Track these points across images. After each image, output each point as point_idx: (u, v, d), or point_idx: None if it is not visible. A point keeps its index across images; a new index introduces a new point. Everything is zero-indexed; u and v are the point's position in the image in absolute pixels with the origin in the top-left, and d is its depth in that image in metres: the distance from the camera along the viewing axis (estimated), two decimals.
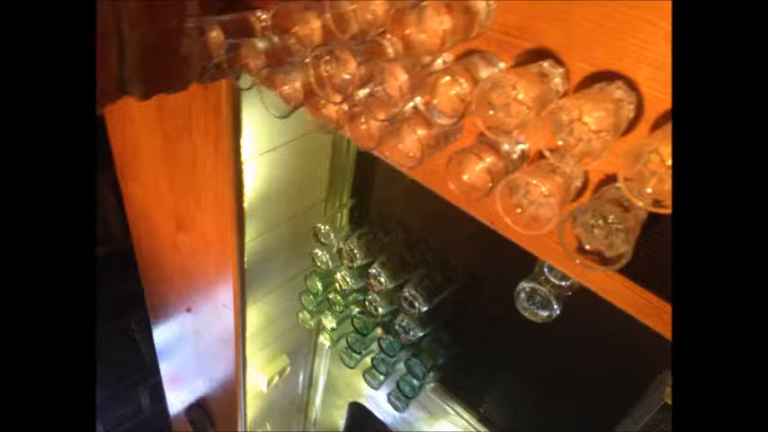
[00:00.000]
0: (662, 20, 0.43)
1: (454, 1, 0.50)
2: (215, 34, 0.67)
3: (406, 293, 1.08)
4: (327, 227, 1.17)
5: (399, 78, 0.54)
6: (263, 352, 1.50)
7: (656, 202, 0.41)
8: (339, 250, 1.16)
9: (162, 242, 1.44)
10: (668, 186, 0.41)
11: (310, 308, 1.33)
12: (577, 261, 0.49)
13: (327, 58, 0.59)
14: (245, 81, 0.75)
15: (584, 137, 0.46)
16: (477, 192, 0.56)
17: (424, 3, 0.50)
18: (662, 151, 0.42)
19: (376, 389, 1.35)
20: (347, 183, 1.27)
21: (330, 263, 1.20)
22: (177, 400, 2.12)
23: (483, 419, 1.25)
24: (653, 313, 0.53)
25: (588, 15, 0.47)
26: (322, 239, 1.19)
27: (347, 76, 0.59)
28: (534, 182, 0.50)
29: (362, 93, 0.57)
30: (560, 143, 0.46)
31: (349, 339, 1.29)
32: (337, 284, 1.21)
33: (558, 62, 0.50)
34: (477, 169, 0.56)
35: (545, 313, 0.77)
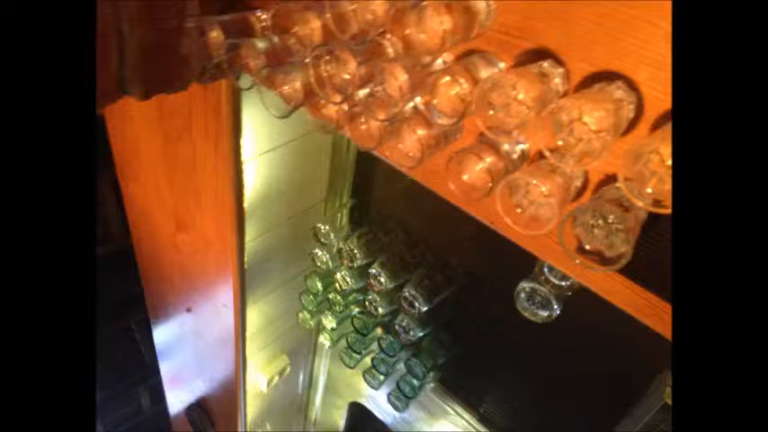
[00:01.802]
0: (662, 20, 0.43)
1: (454, 1, 0.50)
2: (215, 34, 0.67)
3: (406, 293, 1.08)
4: (327, 227, 1.17)
5: (399, 78, 0.54)
6: (263, 352, 1.50)
7: (656, 202, 0.41)
8: (339, 250, 1.16)
9: (162, 242, 1.44)
10: (668, 186, 0.41)
11: (310, 308, 1.33)
12: (577, 261, 0.49)
13: (327, 58, 0.59)
14: (245, 81, 0.75)
15: (584, 137, 0.46)
16: (477, 192, 0.56)
17: (424, 3, 0.50)
18: (662, 151, 0.42)
19: (376, 389, 1.35)
20: (347, 183, 1.27)
21: (330, 263, 1.20)
22: (177, 400, 2.12)
23: (483, 419, 1.25)
24: (653, 313, 0.53)
25: (588, 15, 0.47)
26: (322, 239, 1.19)
27: (347, 76, 0.59)
28: (534, 182, 0.50)
29: (362, 93, 0.57)
30: (560, 143, 0.46)
31: (349, 339, 1.29)
32: (337, 284, 1.21)
33: (558, 62, 0.50)
34: (477, 169, 0.56)
35: (545, 313, 0.77)
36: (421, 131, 0.58)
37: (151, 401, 2.60)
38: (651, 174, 0.42)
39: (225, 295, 1.27)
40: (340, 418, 1.71)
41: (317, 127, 0.75)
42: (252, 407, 1.61)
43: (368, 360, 1.32)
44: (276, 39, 0.68)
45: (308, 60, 0.60)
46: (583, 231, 0.50)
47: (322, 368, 1.68)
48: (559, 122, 0.46)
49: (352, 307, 1.29)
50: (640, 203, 0.41)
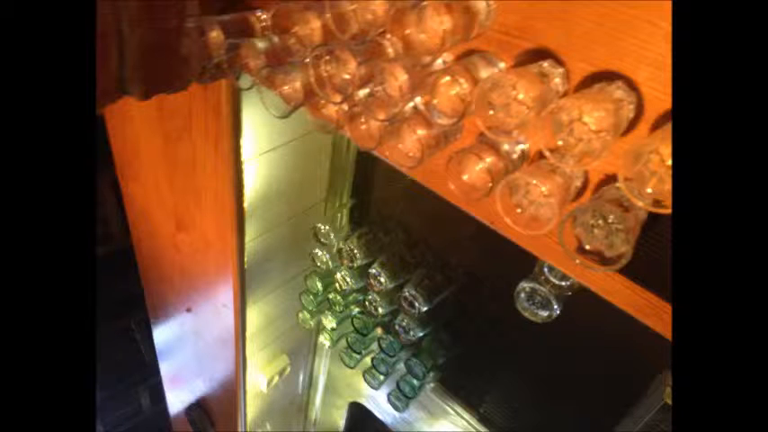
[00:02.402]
0: (662, 20, 0.43)
1: (454, 1, 0.50)
2: (215, 34, 0.67)
3: (406, 293, 1.08)
4: (327, 227, 1.17)
5: (399, 78, 0.54)
6: (263, 352, 1.50)
7: (656, 202, 0.41)
8: (339, 250, 1.16)
9: (162, 242, 1.44)
10: (668, 186, 0.41)
11: (310, 308, 1.33)
12: (577, 261, 0.49)
13: (327, 58, 0.59)
14: (245, 81, 0.75)
15: (584, 137, 0.46)
16: (477, 192, 0.56)
17: (424, 3, 0.50)
18: (662, 151, 0.42)
19: (376, 389, 1.35)
20: (347, 183, 1.27)
21: (330, 263, 1.20)
22: (177, 400, 2.12)
23: (483, 419, 1.25)
24: (653, 313, 0.53)
25: (588, 15, 0.47)
26: (322, 239, 1.19)
27: (347, 76, 0.59)
28: (534, 182, 0.50)
29: (362, 93, 0.57)
30: (560, 143, 0.46)
31: (349, 339, 1.29)
32: (337, 284, 1.21)
33: (558, 62, 0.50)
34: (477, 169, 0.56)
35: (545, 313, 0.77)
36: (421, 131, 0.58)
37: (151, 401, 2.60)
38: (651, 174, 0.42)
39: (225, 295, 1.27)
40: (340, 418, 1.71)
41: (317, 127, 0.75)
42: (252, 407, 1.61)
43: (368, 360, 1.32)
44: (276, 39, 0.68)
45: (308, 60, 0.60)
46: (583, 231, 0.50)
47: (322, 368, 1.68)
48: (559, 122, 0.46)
49: (352, 307, 1.29)
50: (640, 203, 0.41)
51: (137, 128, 1.22)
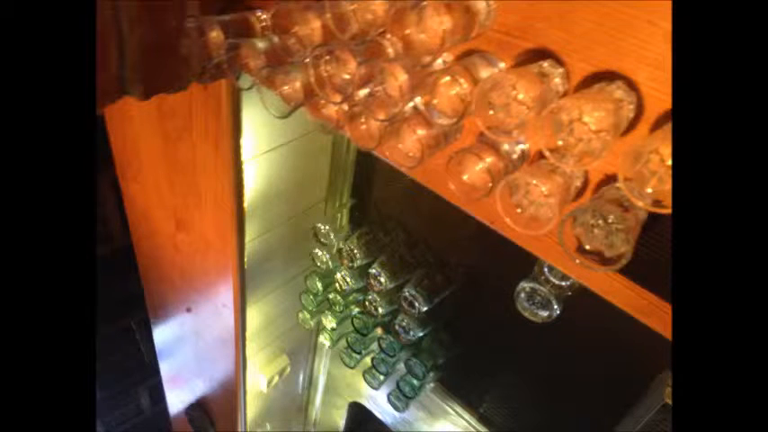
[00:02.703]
0: (662, 20, 0.43)
1: (454, 1, 0.50)
2: (215, 34, 0.67)
3: (406, 293, 1.08)
4: (327, 227, 1.17)
5: (399, 78, 0.54)
6: (263, 352, 1.50)
7: (656, 202, 0.41)
8: (339, 250, 1.16)
9: (162, 242, 1.44)
10: (668, 186, 0.41)
11: (310, 308, 1.33)
12: (577, 261, 0.49)
13: (327, 58, 0.59)
14: (245, 81, 0.75)
15: (584, 137, 0.46)
16: (477, 192, 0.55)
17: (424, 3, 0.50)
18: (662, 151, 0.42)
19: (376, 389, 1.35)
20: (347, 183, 1.27)
21: (330, 263, 1.20)
22: (177, 400, 2.12)
23: (483, 419, 1.25)
24: (653, 313, 0.53)
25: (588, 15, 0.47)
26: (322, 239, 1.19)
27: (347, 76, 0.59)
28: (534, 182, 0.50)
29: (362, 93, 0.57)
30: (560, 143, 0.46)
31: (349, 339, 1.29)
32: (337, 284, 1.21)
33: (558, 62, 0.50)
34: (477, 169, 0.56)
35: (545, 313, 0.77)
36: (421, 131, 0.58)
37: (151, 401, 2.61)
38: (651, 174, 0.42)
39: (225, 295, 1.27)
40: (340, 418, 1.71)
41: (317, 127, 0.75)
42: (252, 407, 1.61)
43: (368, 360, 1.32)
44: (276, 39, 0.68)
45: (308, 60, 0.60)
46: (583, 231, 0.50)
47: (322, 368, 1.68)
48: (559, 122, 0.46)
49: (352, 307, 1.29)
50: (640, 203, 0.41)
51: (137, 128, 1.22)
